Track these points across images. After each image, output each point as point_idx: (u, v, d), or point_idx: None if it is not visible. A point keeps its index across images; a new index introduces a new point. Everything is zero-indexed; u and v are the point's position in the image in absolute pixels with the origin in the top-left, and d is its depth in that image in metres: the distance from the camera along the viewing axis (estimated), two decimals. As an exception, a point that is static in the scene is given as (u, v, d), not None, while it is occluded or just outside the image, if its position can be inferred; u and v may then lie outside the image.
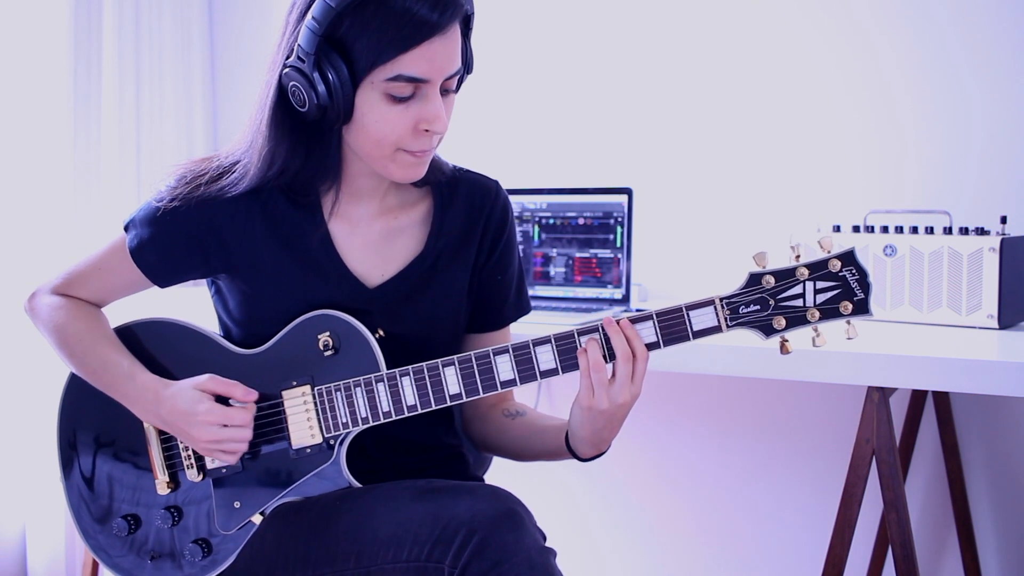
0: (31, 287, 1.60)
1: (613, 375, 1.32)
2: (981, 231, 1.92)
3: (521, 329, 1.60)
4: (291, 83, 1.35)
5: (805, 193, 2.36)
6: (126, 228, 1.52)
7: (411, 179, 1.42)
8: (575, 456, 1.46)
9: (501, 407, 1.59)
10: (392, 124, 1.34)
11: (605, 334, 1.32)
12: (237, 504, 1.45)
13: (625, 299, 2.21)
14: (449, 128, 1.41)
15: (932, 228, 1.98)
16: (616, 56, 2.54)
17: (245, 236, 1.47)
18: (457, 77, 1.37)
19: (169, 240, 1.48)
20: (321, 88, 1.32)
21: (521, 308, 1.63)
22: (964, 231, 1.93)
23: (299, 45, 1.32)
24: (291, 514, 1.42)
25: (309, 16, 1.31)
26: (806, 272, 1.28)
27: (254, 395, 1.43)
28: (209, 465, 1.48)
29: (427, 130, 1.35)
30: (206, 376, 1.43)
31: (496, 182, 1.58)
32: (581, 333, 1.33)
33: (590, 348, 1.31)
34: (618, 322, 1.31)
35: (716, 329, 1.30)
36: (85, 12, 2.66)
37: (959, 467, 2.20)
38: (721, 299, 1.29)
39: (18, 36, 2.54)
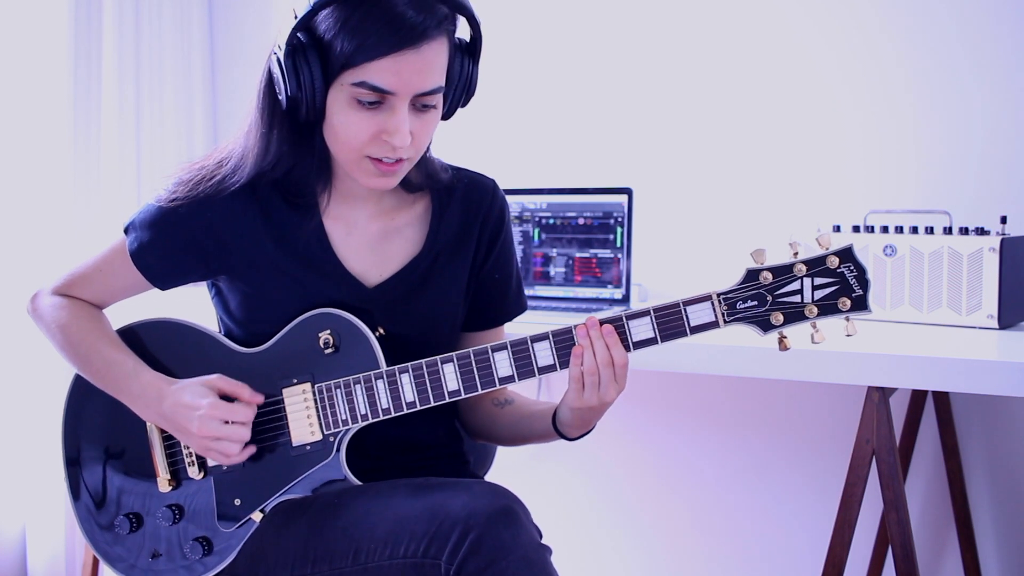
0: (31, 287, 1.61)
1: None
2: (981, 231, 1.92)
3: (521, 328, 1.60)
4: (274, 71, 1.36)
5: (805, 193, 2.36)
6: (126, 231, 1.53)
7: (377, 188, 1.42)
8: (563, 437, 1.49)
9: (490, 396, 1.60)
10: (355, 129, 1.34)
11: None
12: (238, 502, 1.45)
13: (625, 299, 2.21)
14: (443, 133, 1.42)
15: (932, 228, 1.98)
16: (616, 56, 2.54)
17: (244, 237, 1.47)
18: (437, 95, 1.36)
19: (168, 243, 1.49)
20: (292, 80, 1.33)
21: (520, 305, 1.64)
22: (964, 231, 1.93)
23: (280, 35, 1.34)
24: (291, 511, 1.43)
25: (293, 8, 1.33)
26: (804, 268, 1.28)
27: (260, 398, 1.43)
28: (210, 463, 1.48)
29: (386, 140, 1.35)
30: (215, 375, 1.44)
31: (493, 180, 1.59)
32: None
33: (585, 356, 1.32)
34: (601, 324, 1.32)
35: (713, 325, 1.30)
36: (85, 12, 2.66)
37: (959, 467, 2.19)
38: (718, 295, 1.30)
39: (18, 36, 2.54)
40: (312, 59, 1.31)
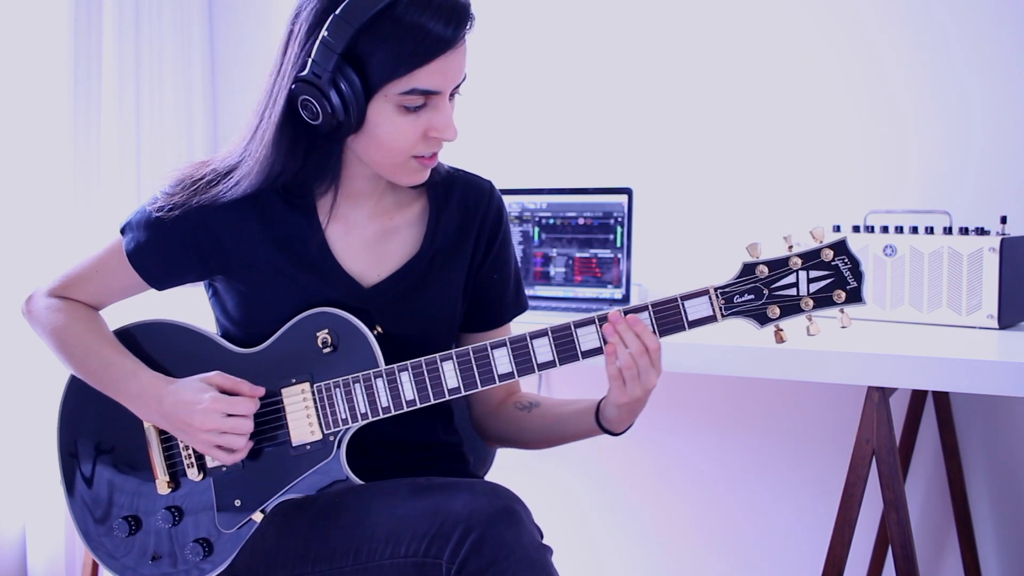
0: (30, 288, 1.60)
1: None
2: (981, 231, 1.92)
3: (521, 328, 1.60)
4: (302, 96, 1.34)
5: (805, 193, 2.36)
6: (122, 231, 1.52)
7: (417, 182, 1.44)
8: (609, 433, 1.49)
9: (512, 401, 1.60)
10: (404, 134, 1.35)
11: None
12: (238, 503, 1.45)
13: (625, 299, 2.21)
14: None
15: (932, 228, 1.98)
16: (616, 56, 2.54)
17: (242, 238, 1.47)
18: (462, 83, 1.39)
19: (166, 244, 1.49)
20: (336, 102, 1.32)
21: (520, 306, 1.63)
22: (964, 231, 1.93)
23: (314, 60, 1.32)
24: (291, 512, 1.43)
25: (323, 31, 1.30)
26: (799, 262, 1.29)
27: (260, 391, 1.43)
28: (210, 464, 1.48)
29: (436, 137, 1.37)
30: (214, 372, 1.44)
31: (490, 183, 1.59)
32: (578, 325, 1.34)
33: (619, 353, 1.33)
34: (625, 314, 1.33)
35: (711, 319, 1.32)
36: (85, 12, 2.66)
37: (959, 467, 2.19)
38: (715, 288, 1.31)
39: (18, 36, 2.54)
40: (352, 79, 1.31)
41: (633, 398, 1.36)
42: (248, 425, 1.40)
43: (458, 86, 1.38)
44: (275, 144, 1.39)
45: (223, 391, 1.42)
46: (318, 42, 1.31)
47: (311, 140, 1.40)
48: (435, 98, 1.35)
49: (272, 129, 1.39)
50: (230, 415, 1.39)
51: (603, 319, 1.34)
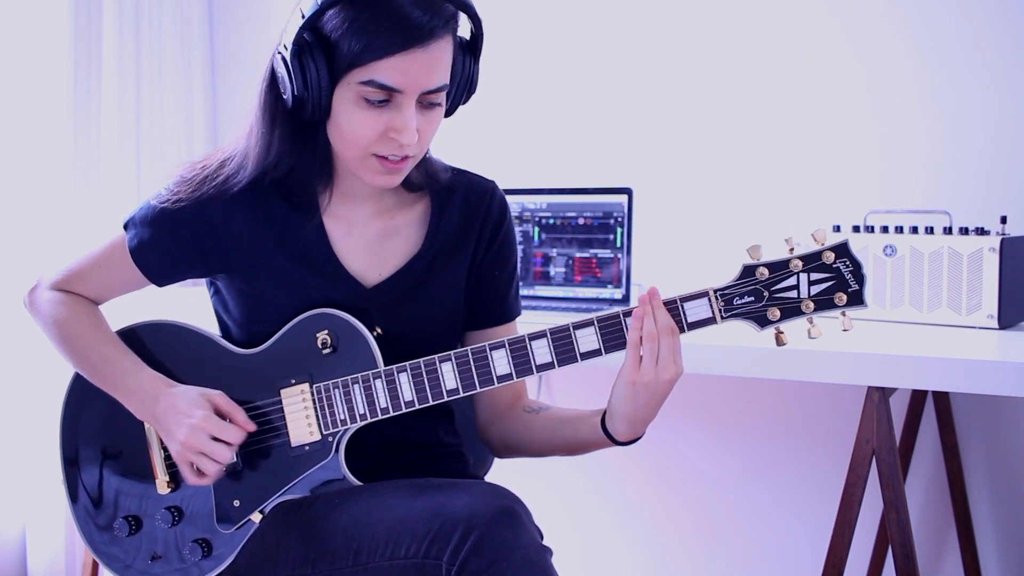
0: (31, 284, 1.61)
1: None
2: (981, 231, 1.92)
3: (520, 329, 1.60)
4: (278, 70, 1.36)
5: (805, 193, 2.36)
6: (125, 227, 1.53)
7: (383, 186, 1.42)
8: (612, 440, 1.44)
9: (520, 405, 1.59)
10: (362, 127, 1.34)
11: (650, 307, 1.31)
12: (237, 503, 1.45)
13: (625, 299, 2.21)
14: (443, 133, 1.42)
15: (932, 228, 1.98)
16: (616, 56, 2.54)
17: (243, 237, 1.47)
18: (442, 93, 1.37)
19: (168, 241, 1.49)
20: (298, 79, 1.33)
21: (517, 308, 1.63)
22: (964, 231, 1.93)
23: (286, 34, 1.34)
24: (290, 512, 1.43)
25: (299, 8, 1.33)
26: (800, 264, 1.28)
27: (253, 426, 1.43)
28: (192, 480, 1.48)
29: (394, 138, 1.35)
30: (217, 391, 1.44)
31: (493, 182, 1.59)
32: (577, 327, 1.34)
33: (646, 321, 1.30)
34: (627, 315, 1.32)
35: (711, 320, 1.31)
36: (85, 12, 2.66)
37: (959, 467, 2.19)
38: (715, 291, 1.30)
39: (18, 36, 2.55)
40: (319, 58, 1.31)
41: (642, 380, 1.31)
42: (228, 455, 1.39)
43: (434, 94, 1.35)
44: (264, 119, 1.40)
45: (219, 412, 1.42)
46: (292, 15, 1.33)
47: (297, 125, 1.41)
48: (399, 97, 1.33)
49: (259, 103, 1.41)
50: (216, 439, 1.39)
51: (602, 319, 1.33)
